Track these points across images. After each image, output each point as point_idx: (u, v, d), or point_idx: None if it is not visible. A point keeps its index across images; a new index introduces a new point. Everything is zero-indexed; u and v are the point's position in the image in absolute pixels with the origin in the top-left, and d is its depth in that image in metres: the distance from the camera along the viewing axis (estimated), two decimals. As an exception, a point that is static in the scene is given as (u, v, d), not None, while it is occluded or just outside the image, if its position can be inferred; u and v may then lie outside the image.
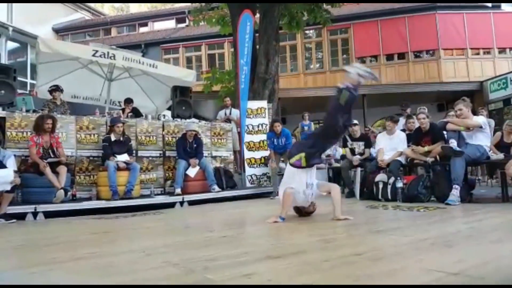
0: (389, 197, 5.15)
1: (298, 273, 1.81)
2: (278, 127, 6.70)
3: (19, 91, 8.12)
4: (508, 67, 12.03)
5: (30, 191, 5.09)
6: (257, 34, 9.60)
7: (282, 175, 7.27)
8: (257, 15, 9.92)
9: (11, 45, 13.61)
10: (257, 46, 9.62)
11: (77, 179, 5.99)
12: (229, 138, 7.95)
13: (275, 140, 6.80)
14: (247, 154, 7.75)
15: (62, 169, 5.17)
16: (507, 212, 3.66)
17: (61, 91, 6.87)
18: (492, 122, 7.35)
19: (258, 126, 7.94)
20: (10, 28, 13.01)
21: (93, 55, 6.76)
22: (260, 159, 7.75)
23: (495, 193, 5.21)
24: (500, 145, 6.09)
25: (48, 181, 4.96)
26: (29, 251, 2.78)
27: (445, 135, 5.15)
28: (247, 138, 7.81)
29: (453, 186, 4.40)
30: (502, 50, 13.71)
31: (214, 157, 7.58)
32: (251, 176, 7.68)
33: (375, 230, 2.99)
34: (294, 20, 11.07)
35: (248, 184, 7.58)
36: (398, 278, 1.68)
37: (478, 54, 13.97)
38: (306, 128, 10.61)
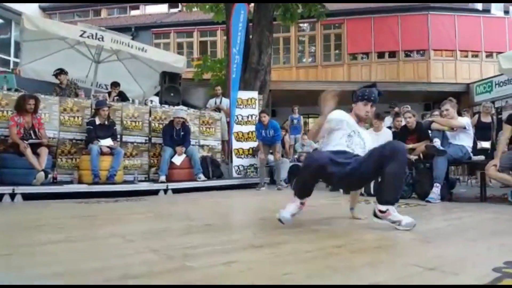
0: (372, 192, 5.21)
1: (279, 263, 1.81)
2: (264, 117, 6.69)
3: (1, 68, 7.92)
4: (494, 71, 12.23)
5: (9, 172, 4.93)
6: (251, 24, 9.52)
7: (271, 166, 7.37)
8: (252, 4, 9.82)
9: (-6, 21, 13.21)
10: (251, 36, 9.54)
11: (59, 162, 5.89)
12: (218, 128, 7.91)
13: (263, 131, 6.79)
14: (235, 145, 7.73)
15: (43, 151, 5.06)
16: (485, 212, 3.75)
17: (66, 73, 6.86)
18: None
19: (247, 117, 7.91)
20: (-6, 4, 12.61)
21: (81, 36, 6.61)
22: (248, 150, 7.75)
23: (474, 193, 5.32)
24: (478, 126, 6.26)
25: (28, 162, 4.84)
26: (5, 233, 2.71)
27: (430, 134, 5.23)
28: (236, 128, 7.79)
29: (434, 184, 4.48)
30: (489, 54, 13.94)
31: (202, 146, 7.54)
32: (238, 166, 7.68)
33: (357, 223, 3.02)
34: (288, 12, 11.01)
35: (234, 175, 7.58)
36: (377, 270, 1.69)
37: (466, 56, 14.19)
38: (295, 121, 10.63)
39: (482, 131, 6.29)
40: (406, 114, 5.63)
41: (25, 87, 6.36)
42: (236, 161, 7.69)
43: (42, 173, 4.80)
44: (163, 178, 6.10)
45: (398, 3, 14.15)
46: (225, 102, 8.42)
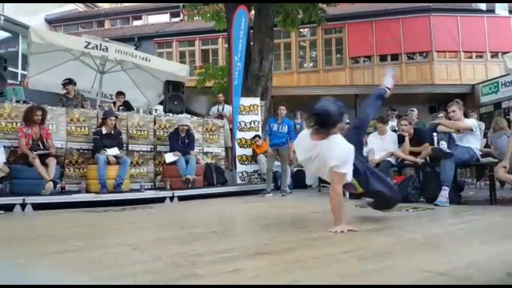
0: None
1: (286, 270, 1.81)
2: (283, 110, 6.70)
3: (10, 81, 8.01)
4: (500, 71, 12.15)
5: (19, 182, 5.00)
6: (251, 31, 9.57)
7: (275, 172, 7.35)
8: (252, 12, 9.88)
9: (2, 34, 13.36)
10: (251, 43, 9.59)
11: (67, 172, 5.93)
12: (221, 135, 7.93)
13: (275, 125, 6.74)
14: (239, 151, 7.74)
15: (52, 161, 5.12)
16: (495, 214, 3.70)
17: (74, 84, 6.88)
18: (483, 125, 7.47)
19: (250, 123, 7.92)
20: (2, 17, 12.75)
21: (86, 47, 6.70)
22: (252, 156, 7.74)
23: (483, 196, 5.27)
24: None
25: (37, 173, 4.90)
26: (15, 242, 2.74)
27: (435, 137, 5.19)
28: (239, 135, 7.80)
29: (442, 187, 4.43)
30: (494, 54, 13.83)
31: (206, 153, 7.55)
32: (242, 173, 7.67)
33: (364, 229, 2.99)
34: (289, 18, 11.04)
35: (238, 181, 7.58)
36: (386, 277, 1.68)
37: (470, 57, 14.09)
38: (298, 126, 10.58)
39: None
40: (402, 122, 5.56)
41: (33, 98, 6.43)
42: (240, 167, 7.68)
43: (51, 183, 4.84)
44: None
45: (399, 6, 14.13)
46: (227, 109, 8.46)
